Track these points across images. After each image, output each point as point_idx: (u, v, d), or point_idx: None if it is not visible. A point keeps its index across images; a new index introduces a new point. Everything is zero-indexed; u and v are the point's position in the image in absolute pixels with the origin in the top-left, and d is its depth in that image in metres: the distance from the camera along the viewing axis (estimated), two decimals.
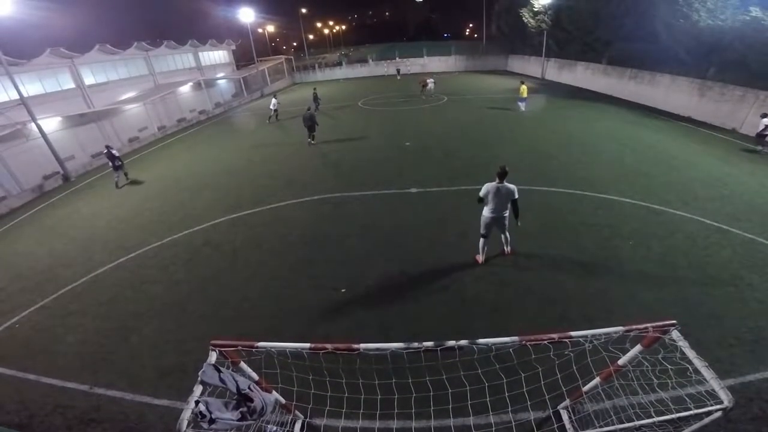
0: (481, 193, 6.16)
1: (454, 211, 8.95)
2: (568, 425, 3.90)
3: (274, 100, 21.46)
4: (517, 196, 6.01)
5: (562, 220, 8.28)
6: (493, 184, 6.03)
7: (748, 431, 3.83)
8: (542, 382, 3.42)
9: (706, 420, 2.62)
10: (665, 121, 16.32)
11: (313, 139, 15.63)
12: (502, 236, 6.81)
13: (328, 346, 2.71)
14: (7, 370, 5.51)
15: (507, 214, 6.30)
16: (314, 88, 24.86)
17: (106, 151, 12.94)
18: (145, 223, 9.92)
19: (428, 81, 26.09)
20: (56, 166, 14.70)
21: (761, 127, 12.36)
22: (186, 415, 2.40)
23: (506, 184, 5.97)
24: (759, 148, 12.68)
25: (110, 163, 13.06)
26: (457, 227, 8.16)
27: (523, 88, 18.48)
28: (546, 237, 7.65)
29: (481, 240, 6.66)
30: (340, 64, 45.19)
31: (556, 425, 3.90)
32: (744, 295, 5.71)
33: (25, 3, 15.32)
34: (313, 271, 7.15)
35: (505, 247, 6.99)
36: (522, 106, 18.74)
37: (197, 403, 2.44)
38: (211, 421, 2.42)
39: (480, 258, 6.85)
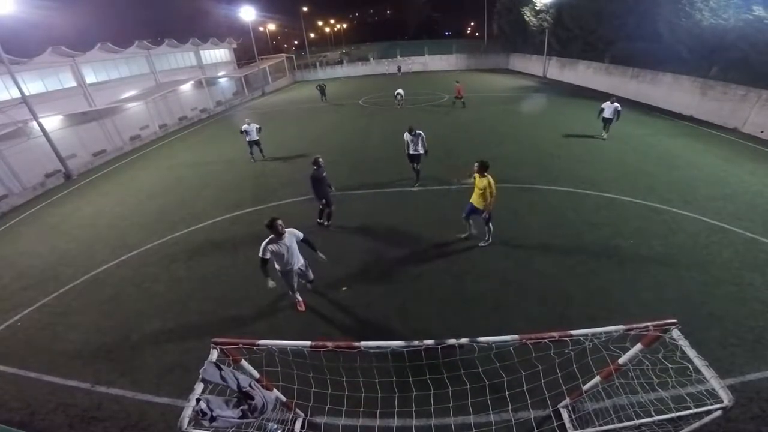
0: (260, 253, 5.09)
1: (455, 210, 8.92)
2: (568, 424, 3.91)
3: (400, 90, 21.84)
4: (302, 236, 5.40)
5: (564, 218, 8.27)
6: (270, 239, 5.13)
7: (748, 430, 3.83)
8: (542, 381, 3.43)
9: (706, 419, 2.63)
10: (667, 120, 16.27)
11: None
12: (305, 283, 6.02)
13: (329, 344, 2.72)
14: (9, 368, 5.54)
15: (303, 261, 5.70)
16: (321, 84, 27.12)
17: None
18: (146, 221, 9.94)
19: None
20: (58, 164, 14.73)
21: (609, 113, 12.79)
22: (187, 413, 2.41)
23: (287, 232, 5.22)
24: (604, 135, 13.37)
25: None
26: (458, 226, 8.15)
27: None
28: (547, 235, 7.64)
29: (294, 293, 5.94)
30: (341, 62, 45.17)
31: (556, 424, 3.91)
32: (745, 294, 5.70)
33: (27, 2, 15.34)
34: (315, 269, 7.15)
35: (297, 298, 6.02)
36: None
37: (198, 400, 2.46)
38: (212, 418, 2.43)
39: (301, 306, 6.07)
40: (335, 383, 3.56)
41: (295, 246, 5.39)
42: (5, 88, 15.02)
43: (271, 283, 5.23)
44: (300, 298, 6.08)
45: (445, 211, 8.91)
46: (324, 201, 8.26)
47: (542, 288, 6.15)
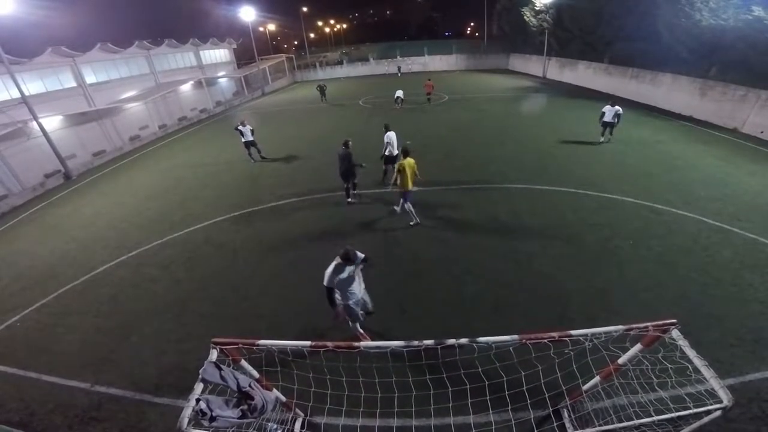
0: (326, 283, 4.48)
1: (454, 211, 8.95)
2: (567, 424, 3.90)
3: (399, 93, 21.53)
4: (363, 256, 4.77)
5: (563, 219, 8.27)
6: (338, 266, 4.54)
7: (748, 431, 3.83)
8: (542, 381, 3.42)
9: (706, 419, 2.63)
10: (667, 120, 16.28)
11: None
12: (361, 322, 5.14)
13: (329, 344, 2.73)
14: (8, 368, 5.53)
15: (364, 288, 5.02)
16: (321, 84, 27.18)
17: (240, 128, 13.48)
18: (145, 221, 9.93)
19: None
20: (57, 164, 14.72)
21: (610, 117, 12.54)
22: (187, 413, 2.41)
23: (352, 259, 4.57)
24: (602, 139, 13.13)
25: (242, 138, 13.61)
26: (457, 226, 8.16)
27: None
28: (547, 236, 7.64)
29: (357, 325, 5.12)
30: (341, 62, 45.19)
31: (555, 424, 3.90)
32: (745, 295, 5.70)
33: (27, 2, 15.32)
34: (314, 269, 7.12)
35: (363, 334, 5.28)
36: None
37: (198, 401, 2.45)
38: (212, 418, 2.43)
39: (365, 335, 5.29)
40: (335, 383, 3.56)
41: (359, 271, 4.79)
42: (5, 88, 15.02)
43: (340, 312, 4.67)
44: (362, 331, 5.22)
45: (444, 211, 8.92)
46: (346, 178, 9.31)
47: (542, 288, 6.15)
